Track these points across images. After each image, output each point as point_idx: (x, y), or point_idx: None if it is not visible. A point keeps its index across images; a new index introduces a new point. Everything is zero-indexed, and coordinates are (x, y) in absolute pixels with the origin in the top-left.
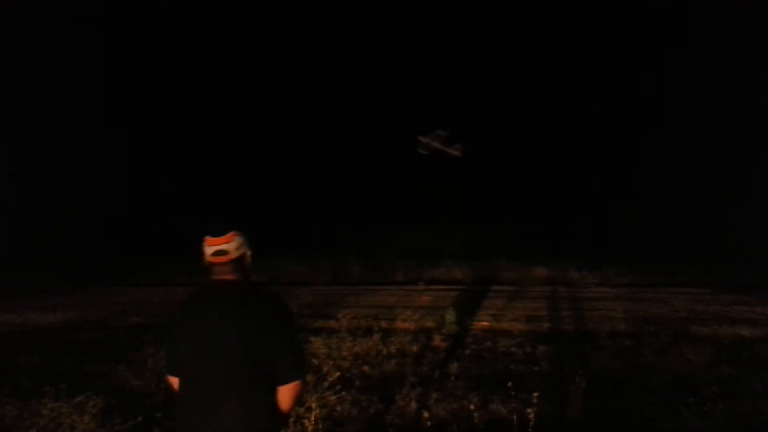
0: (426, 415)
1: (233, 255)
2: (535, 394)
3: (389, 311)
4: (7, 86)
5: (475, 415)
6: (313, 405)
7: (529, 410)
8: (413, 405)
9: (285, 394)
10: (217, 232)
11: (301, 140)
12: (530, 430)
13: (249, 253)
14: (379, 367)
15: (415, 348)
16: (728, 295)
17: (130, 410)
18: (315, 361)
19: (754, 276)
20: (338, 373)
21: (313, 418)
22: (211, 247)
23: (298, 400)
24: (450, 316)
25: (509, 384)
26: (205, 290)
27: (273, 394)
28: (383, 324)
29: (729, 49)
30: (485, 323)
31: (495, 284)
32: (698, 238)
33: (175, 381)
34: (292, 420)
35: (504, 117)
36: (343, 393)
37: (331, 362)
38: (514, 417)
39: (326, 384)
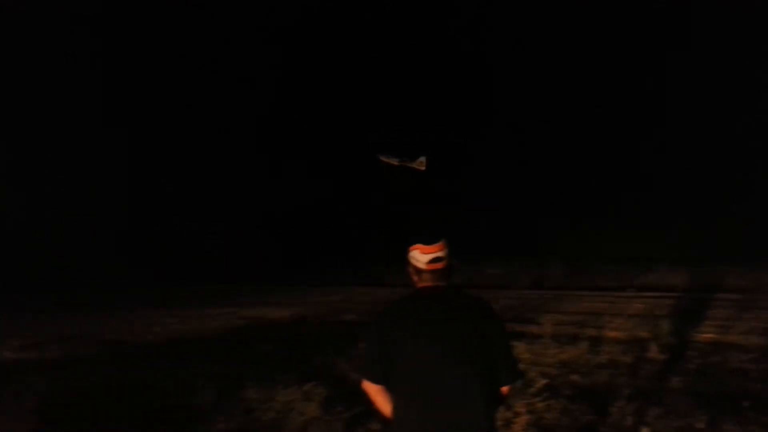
0: (645, 430)
1: (447, 262)
2: None
3: (596, 318)
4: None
5: None
6: (521, 410)
7: None
8: (630, 419)
9: (503, 394)
10: (430, 241)
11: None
12: None
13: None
14: (590, 377)
15: (628, 359)
16: None
17: (350, 400)
18: (520, 366)
19: None
20: (545, 381)
21: (522, 423)
22: (427, 254)
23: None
24: (667, 325)
25: (745, 404)
26: (422, 297)
27: (498, 394)
28: (590, 331)
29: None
30: (710, 335)
31: (719, 291)
32: None
33: (373, 388)
34: (500, 423)
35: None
36: (552, 401)
37: (536, 369)
38: None
39: (533, 390)
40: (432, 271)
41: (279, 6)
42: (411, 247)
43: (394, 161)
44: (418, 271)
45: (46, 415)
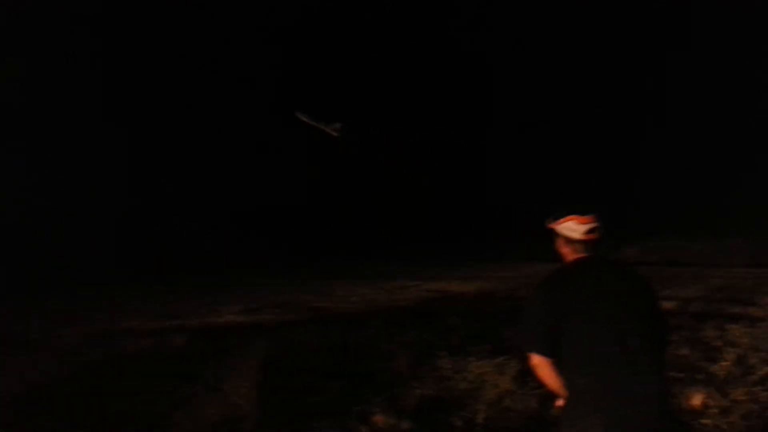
0: None
1: (601, 232)
2: None
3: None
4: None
5: None
6: (741, 398)
7: None
8: None
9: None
10: (586, 211)
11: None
12: None
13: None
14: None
15: None
16: None
17: None
18: (738, 351)
19: None
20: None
21: (742, 413)
22: (583, 225)
23: None
24: None
25: None
26: (583, 266)
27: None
28: None
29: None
30: None
31: None
32: None
33: (543, 362)
34: (715, 411)
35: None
36: None
37: (757, 355)
38: None
39: (755, 378)
40: (587, 242)
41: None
42: (563, 219)
43: (306, 119)
44: (572, 241)
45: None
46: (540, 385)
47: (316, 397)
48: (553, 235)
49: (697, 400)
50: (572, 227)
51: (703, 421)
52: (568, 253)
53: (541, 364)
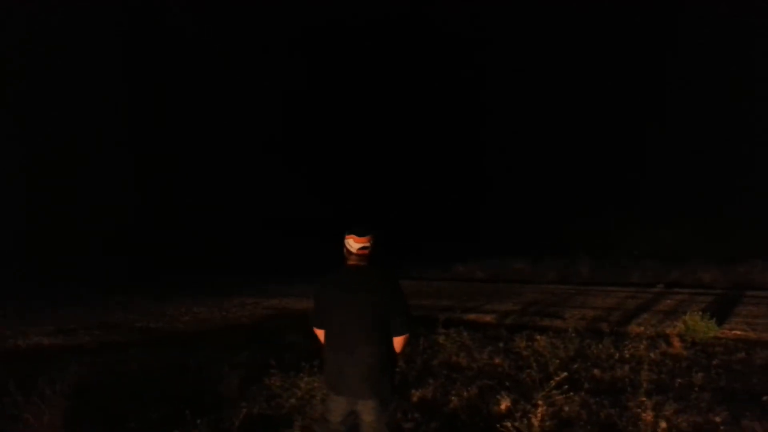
0: (664, 425)
1: (371, 250)
2: None
3: (622, 314)
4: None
5: (722, 429)
6: (540, 402)
7: None
8: (649, 414)
9: (398, 342)
10: (362, 233)
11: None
12: None
13: (379, 248)
14: (611, 371)
15: (652, 354)
16: None
17: None
18: (541, 359)
19: None
20: (565, 373)
21: (539, 415)
22: (358, 243)
23: (406, 347)
24: (694, 321)
25: (765, 398)
26: (347, 271)
27: (390, 341)
28: (615, 326)
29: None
30: (737, 331)
31: (749, 289)
32: None
33: (318, 332)
34: (518, 414)
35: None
36: (571, 394)
37: (557, 361)
38: None
39: (552, 383)
40: (359, 255)
41: (283, 16)
42: (347, 235)
43: None
44: (349, 252)
45: (79, 397)
46: None
47: (134, 423)
48: (342, 243)
49: (503, 405)
50: (350, 243)
51: (505, 423)
52: (347, 259)
53: (317, 333)
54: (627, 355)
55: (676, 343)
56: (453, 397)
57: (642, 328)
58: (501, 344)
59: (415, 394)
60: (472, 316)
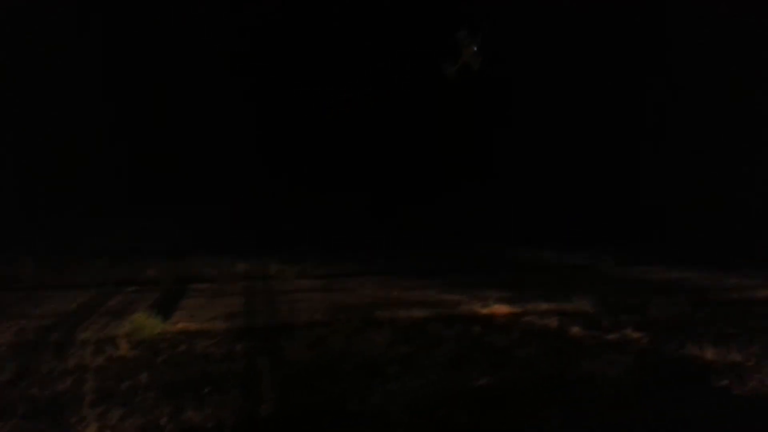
0: None
1: None
2: (231, 395)
3: (67, 319)
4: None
5: (167, 427)
6: None
7: (224, 412)
8: (94, 426)
9: None
10: None
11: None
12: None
13: None
14: (52, 387)
15: (97, 361)
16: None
17: None
18: None
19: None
20: None
21: None
22: None
23: None
24: (141, 320)
25: (206, 389)
26: None
27: None
28: (58, 335)
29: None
30: (180, 324)
31: (193, 282)
32: None
33: None
34: None
35: None
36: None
37: None
38: (209, 423)
39: None
40: None
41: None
42: None
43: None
44: None
45: None
46: None
47: None
48: None
49: None
50: None
51: None
52: None
53: None
54: (71, 366)
55: (124, 344)
56: None
57: (89, 333)
58: None
59: None
60: None
